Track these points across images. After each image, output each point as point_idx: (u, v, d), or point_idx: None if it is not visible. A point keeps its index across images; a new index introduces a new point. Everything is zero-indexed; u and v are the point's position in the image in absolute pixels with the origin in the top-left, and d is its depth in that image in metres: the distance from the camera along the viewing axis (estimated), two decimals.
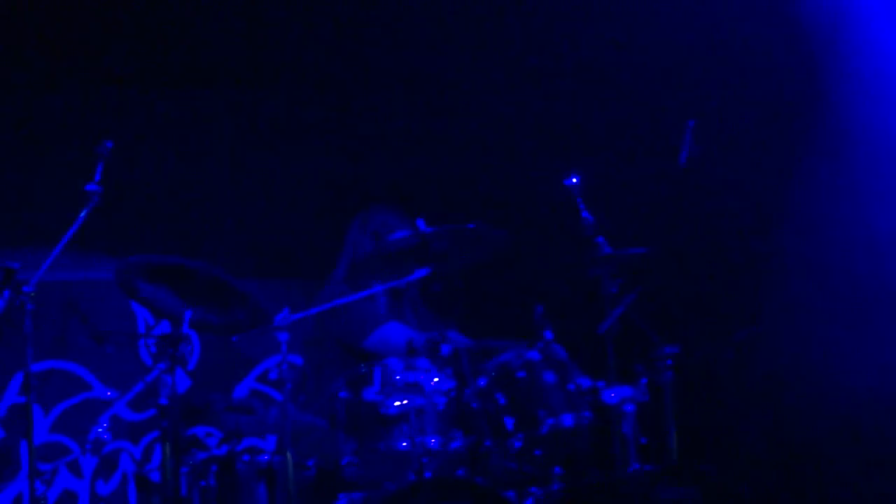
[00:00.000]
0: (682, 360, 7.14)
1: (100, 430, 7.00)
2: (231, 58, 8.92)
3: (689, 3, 8.49)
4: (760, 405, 8.67)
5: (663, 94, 8.69)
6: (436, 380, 6.73)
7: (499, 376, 6.82)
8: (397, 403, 6.62)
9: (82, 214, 6.68)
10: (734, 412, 8.71)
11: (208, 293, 6.67)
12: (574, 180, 7.10)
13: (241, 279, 6.90)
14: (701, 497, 6.79)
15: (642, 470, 6.77)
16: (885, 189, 8.15)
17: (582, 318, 7.13)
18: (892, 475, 8.07)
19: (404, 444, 6.60)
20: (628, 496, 6.77)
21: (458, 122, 9.06)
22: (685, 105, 7.88)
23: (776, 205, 8.54)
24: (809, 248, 8.34)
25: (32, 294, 6.47)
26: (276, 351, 6.57)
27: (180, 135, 8.76)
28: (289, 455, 6.43)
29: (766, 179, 8.62)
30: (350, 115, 9.13)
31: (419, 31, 8.90)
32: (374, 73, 9.11)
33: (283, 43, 8.93)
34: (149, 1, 8.57)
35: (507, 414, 6.74)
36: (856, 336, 8.16)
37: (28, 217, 8.00)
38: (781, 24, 8.35)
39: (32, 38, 8.42)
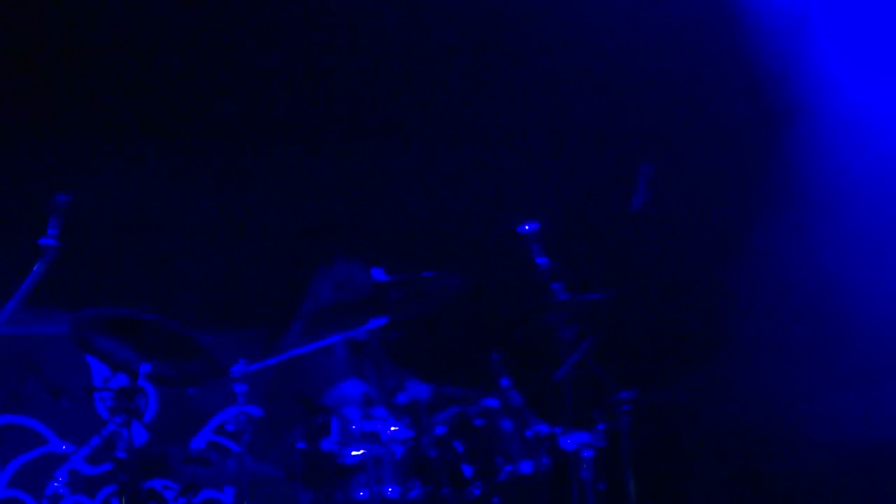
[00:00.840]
0: (639, 405, 7.10)
1: (56, 484, 6.72)
2: (188, 110, 8.81)
3: (644, 52, 8.52)
4: (718, 449, 8.73)
5: (617, 139, 8.77)
6: (393, 428, 6.65)
7: (456, 424, 6.79)
8: (355, 453, 6.55)
9: (37, 268, 6.53)
10: (692, 456, 8.78)
11: (164, 345, 6.57)
12: (528, 227, 7.07)
13: (197, 331, 6.78)
14: None
15: None
16: (837, 232, 8.18)
17: (538, 365, 7.02)
18: None
19: (362, 493, 6.54)
20: None
21: (415, 172, 9.03)
22: (639, 151, 7.80)
23: (729, 249, 8.53)
24: (763, 291, 8.42)
25: None
26: (234, 402, 6.50)
27: (137, 187, 8.72)
28: None
29: (719, 225, 8.71)
30: (308, 167, 9.07)
31: (377, 85, 8.87)
32: (332, 126, 9.05)
33: (239, 96, 8.87)
34: (101, 57, 8.46)
35: (465, 462, 6.69)
36: (811, 378, 8.24)
37: None
38: (735, 70, 8.43)
39: None
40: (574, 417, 6.92)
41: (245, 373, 6.58)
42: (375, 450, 6.61)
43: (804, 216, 8.35)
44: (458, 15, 8.57)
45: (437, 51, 8.79)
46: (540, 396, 6.96)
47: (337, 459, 6.63)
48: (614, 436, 6.97)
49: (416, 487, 6.67)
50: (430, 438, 6.76)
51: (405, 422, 6.80)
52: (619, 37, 8.58)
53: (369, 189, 9.14)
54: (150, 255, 8.67)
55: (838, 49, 8.37)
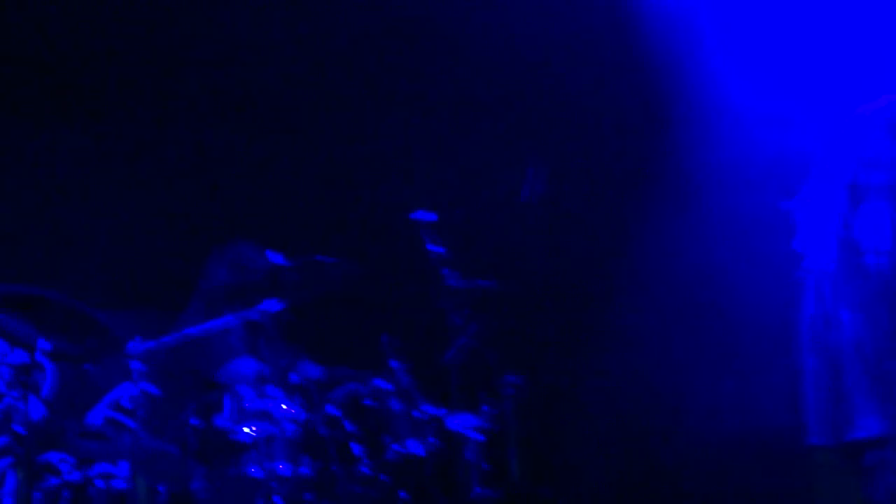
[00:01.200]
0: (525, 390, 7.23)
1: None
2: (92, 95, 8.69)
3: (539, 53, 8.52)
4: (601, 434, 8.76)
5: (510, 134, 8.73)
6: (285, 407, 6.73)
7: (347, 404, 6.91)
8: (247, 430, 6.64)
9: None
10: (575, 440, 8.78)
11: (62, 322, 6.78)
12: (421, 216, 7.21)
13: (95, 309, 6.99)
14: None
15: (484, 495, 6.88)
16: (717, 231, 8.22)
17: (428, 348, 7.15)
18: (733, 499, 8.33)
19: (254, 470, 6.63)
20: None
21: (314, 159, 9.04)
22: (530, 146, 7.95)
23: (616, 243, 8.63)
24: (646, 285, 8.51)
25: None
26: (130, 379, 6.52)
27: (40, 168, 8.65)
28: (141, 480, 6.40)
29: (607, 219, 8.72)
30: (206, 150, 9.01)
31: (280, 70, 8.85)
32: (231, 109, 9.00)
33: (141, 81, 8.79)
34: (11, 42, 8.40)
35: (354, 440, 6.82)
36: (690, 369, 8.29)
37: None
38: (623, 73, 8.48)
39: None
40: (461, 400, 7.03)
41: (142, 350, 6.60)
42: (268, 428, 6.68)
43: (687, 215, 8.40)
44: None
45: (343, 39, 8.78)
46: (429, 379, 7.08)
47: (230, 436, 6.70)
48: (500, 418, 7.08)
49: (307, 465, 6.73)
50: (321, 417, 6.87)
51: (297, 401, 6.88)
52: (515, 38, 8.61)
53: (268, 173, 9.12)
54: (50, 234, 8.59)
55: (719, 54, 8.31)
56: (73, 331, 6.87)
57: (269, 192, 9.04)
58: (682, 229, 8.37)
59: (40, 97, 8.62)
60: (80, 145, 8.73)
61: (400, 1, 8.55)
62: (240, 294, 7.33)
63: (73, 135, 8.74)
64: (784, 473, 8.01)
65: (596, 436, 8.83)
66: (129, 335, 6.71)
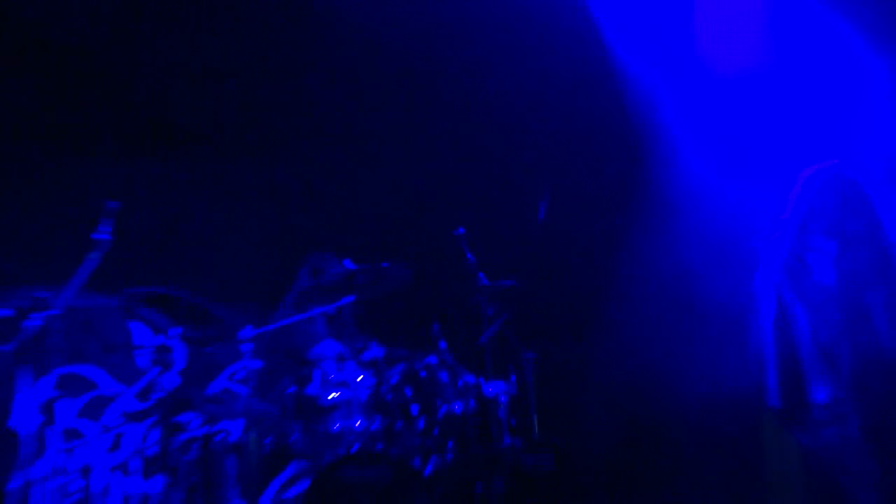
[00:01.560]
0: (541, 363, 7.65)
1: (110, 417, 7.25)
2: (209, 135, 8.83)
3: (544, 102, 8.73)
4: (603, 396, 8.79)
5: (527, 167, 8.92)
6: (360, 378, 7.28)
7: (406, 375, 7.40)
8: (331, 396, 7.18)
9: (93, 256, 6.89)
10: (582, 401, 8.82)
11: (189, 314, 7.25)
12: (461, 231, 7.74)
13: (214, 304, 7.40)
14: (553, 461, 7.25)
15: (512, 444, 7.32)
16: (690, 236, 8.19)
17: (467, 333, 7.67)
18: (713, 450, 8.24)
19: (337, 426, 7.14)
20: (502, 462, 7.19)
21: (376, 186, 9.12)
22: (542, 176, 8.16)
23: (609, 249, 8.74)
24: (635, 280, 8.60)
25: (58, 316, 6.81)
26: (241, 357, 6.98)
27: (169, 197, 8.75)
28: (251, 435, 6.88)
29: (601, 230, 8.82)
30: (298, 184, 9.16)
31: (354, 114, 8.98)
32: (314, 152, 9.12)
33: (249, 126, 8.96)
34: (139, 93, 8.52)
35: (412, 403, 7.33)
36: (671, 345, 8.35)
37: (56, 259, 7.55)
38: (611, 115, 8.55)
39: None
40: (493, 371, 7.53)
41: (249, 335, 7.02)
42: (347, 394, 7.20)
43: (666, 224, 8.36)
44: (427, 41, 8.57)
45: (401, 98, 8.92)
46: (468, 356, 7.58)
47: (318, 401, 7.21)
48: (522, 385, 7.55)
49: (377, 421, 7.22)
50: (387, 386, 7.34)
51: (369, 373, 7.36)
52: (526, 92, 8.74)
53: (342, 200, 9.16)
54: (179, 248, 8.69)
55: (690, 91, 8.36)
56: (197, 321, 7.32)
57: (343, 215, 9.11)
58: (661, 241, 8.40)
59: (164, 137, 8.80)
60: (200, 181, 8.91)
61: (453, 62, 8.64)
62: (322, 292, 7.64)
63: (196, 173, 8.89)
64: (742, 428, 7.94)
65: (596, 398, 8.84)
66: (240, 324, 7.12)
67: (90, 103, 8.46)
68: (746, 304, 7.12)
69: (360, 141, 9.18)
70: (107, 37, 8.32)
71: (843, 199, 6.66)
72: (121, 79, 8.42)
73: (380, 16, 8.44)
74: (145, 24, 8.44)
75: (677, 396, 8.36)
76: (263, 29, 8.63)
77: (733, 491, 8.13)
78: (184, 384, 7.13)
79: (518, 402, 7.52)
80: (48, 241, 8.08)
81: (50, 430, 7.15)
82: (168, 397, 6.98)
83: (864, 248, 6.12)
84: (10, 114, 8.31)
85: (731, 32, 8.22)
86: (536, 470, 7.29)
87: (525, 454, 7.27)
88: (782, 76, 8.19)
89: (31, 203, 8.36)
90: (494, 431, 7.43)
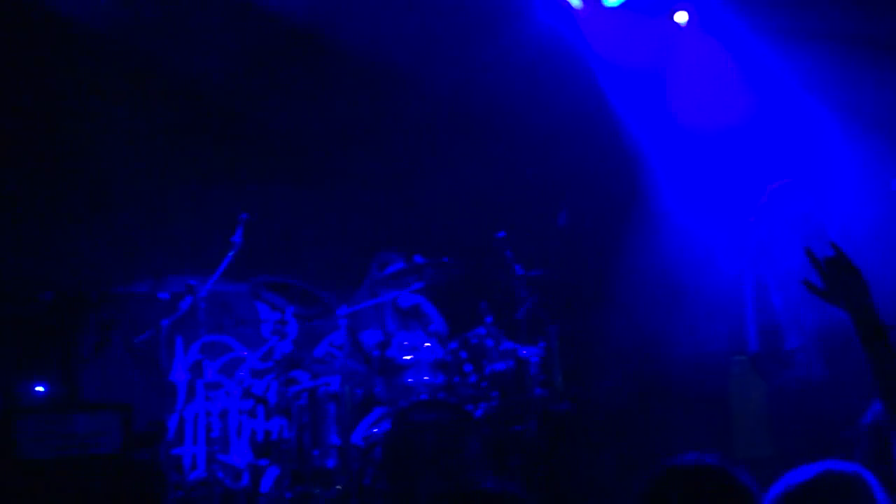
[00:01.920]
0: (562, 333, 7.80)
1: (241, 374, 7.62)
2: (306, 163, 9.08)
3: (563, 132, 8.78)
4: (615, 355, 8.91)
5: (550, 185, 9.07)
6: (427, 344, 7.66)
7: (461, 342, 7.68)
8: (406, 357, 7.57)
9: (230, 255, 7.67)
10: (598, 359, 8.99)
11: (300, 296, 7.45)
12: (502, 234, 7.91)
13: (318, 289, 7.57)
14: (575, 409, 7.73)
15: (542, 393, 7.61)
16: (680, 238, 8.51)
17: (507, 310, 7.83)
18: (696, 397, 8.38)
19: (410, 380, 7.55)
20: (534, 408, 7.53)
21: (437, 196, 9.29)
22: (563, 190, 8.46)
23: (616, 244, 8.87)
24: (638, 267, 8.73)
25: (203, 298, 7.49)
26: (339, 329, 7.48)
27: (289, 208, 8.99)
28: (346, 387, 7.23)
29: (610, 233, 8.99)
30: (373, 194, 9.38)
31: (424, 134, 9.09)
32: (393, 163, 9.28)
33: (333, 149, 9.05)
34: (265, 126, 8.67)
35: (465, 363, 7.65)
36: (668, 317, 8.65)
37: (203, 253, 8.01)
38: (613, 143, 8.77)
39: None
40: (526, 339, 7.73)
41: (346, 313, 7.50)
42: (417, 356, 7.56)
43: (658, 227, 8.63)
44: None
45: (456, 107, 8.87)
46: (508, 327, 7.74)
47: (396, 360, 7.59)
48: (549, 350, 7.74)
49: (440, 377, 7.58)
50: (446, 351, 7.62)
51: (433, 341, 7.72)
52: (552, 130, 8.85)
53: (410, 208, 9.39)
54: (293, 247, 8.96)
55: (679, 122, 8.56)
56: (305, 301, 7.45)
57: (414, 221, 9.32)
58: (655, 239, 8.62)
59: (271, 162, 9.02)
60: (307, 196, 9.12)
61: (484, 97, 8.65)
62: (398, 280, 7.95)
63: (299, 191, 9.08)
64: (718, 379, 8.36)
65: (606, 358, 8.95)
66: (337, 304, 7.59)
67: (231, 136, 8.72)
68: (722, 287, 7.75)
69: (428, 166, 9.27)
70: (238, 79, 8.46)
71: (801, 206, 7.26)
72: (252, 125, 8.64)
73: (428, 54, 8.44)
74: (269, 68, 8.51)
75: (669, 356, 8.58)
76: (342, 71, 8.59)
77: (711, 427, 8.19)
78: (295, 349, 7.50)
79: (546, 363, 7.71)
80: (198, 243, 8.30)
81: (198, 383, 7.55)
82: (283, 359, 7.34)
83: (816, 239, 6.10)
84: (174, 148, 8.57)
85: (704, 99, 8.40)
86: (561, 414, 7.65)
87: (551, 401, 7.58)
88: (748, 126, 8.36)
89: (187, 214, 8.61)
90: (528, 384, 7.64)
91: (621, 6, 8.17)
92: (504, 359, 7.62)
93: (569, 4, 8.19)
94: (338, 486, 7.06)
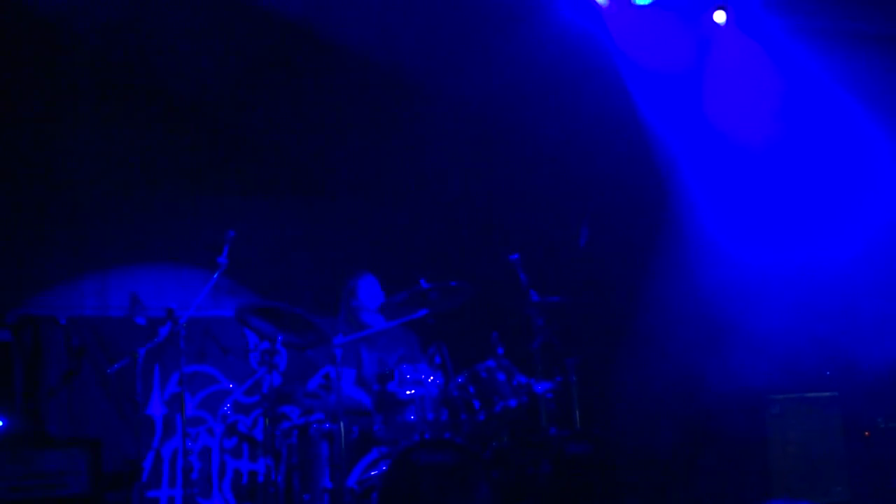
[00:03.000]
0: (581, 366, 7.64)
1: (225, 408, 7.54)
2: (304, 184, 8.89)
3: (587, 150, 8.72)
4: (633, 394, 8.80)
5: (570, 202, 8.75)
6: (431, 378, 7.35)
7: (470, 376, 7.37)
8: (408, 392, 7.26)
9: (215, 276, 7.24)
10: (615, 398, 8.82)
11: (292, 323, 7.17)
12: (515, 256, 7.74)
13: (312, 315, 7.27)
14: (593, 450, 7.32)
15: (558, 433, 7.38)
16: (707, 262, 8.43)
17: (520, 340, 7.68)
18: (726, 439, 8.28)
19: (412, 417, 7.23)
20: (549, 449, 7.26)
21: (446, 220, 9.26)
22: (584, 209, 7.99)
23: (639, 272, 8.80)
24: (659, 296, 8.60)
25: (184, 324, 7.09)
26: (333, 361, 7.09)
27: (276, 227, 8.80)
28: (341, 424, 6.96)
29: (634, 257, 8.90)
30: (377, 219, 9.17)
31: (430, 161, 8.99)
32: (401, 188, 9.16)
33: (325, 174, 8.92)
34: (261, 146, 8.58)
35: (475, 398, 7.32)
36: (692, 350, 8.53)
37: (182, 276, 7.99)
38: (643, 158, 8.63)
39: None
40: (542, 373, 7.57)
41: (342, 342, 7.17)
42: (420, 391, 7.26)
43: (684, 252, 8.55)
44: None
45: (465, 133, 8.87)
46: (522, 359, 7.56)
47: (397, 395, 7.27)
48: (566, 385, 7.59)
49: (445, 414, 7.31)
50: (453, 384, 7.36)
51: (438, 374, 7.42)
52: (573, 144, 8.77)
53: (416, 223, 9.25)
54: (281, 271, 8.73)
55: (703, 151, 8.42)
56: (298, 329, 7.19)
57: (415, 237, 9.18)
58: (681, 266, 8.54)
59: (269, 179, 8.83)
60: (294, 213, 8.94)
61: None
62: (400, 306, 7.57)
63: (279, 212, 8.88)
64: (750, 419, 8.13)
65: (627, 394, 8.79)
66: (333, 332, 7.31)
67: (216, 151, 8.60)
68: (762, 317, 7.64)
69: (435, 177, 9.19)
70: (229, 92, 8.31)
71: None
72: (237, 131, 8.46)
73: (436, 55, 8.35)
74: (261, 81, 8.37)
75: (696, 393, 8.46)
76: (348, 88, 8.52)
77: (742, 470, 8.06)
78: (286, 381, 7.47)
79: (562, 399, 7.55)
80: (180, 262, 8.22)
81: (177, 418, 7.35)
82: (273, 392, 7.11)
83: None
84: (153, 158, 8.35)
85: (742, 104, 8.27)
86: (577, 455, 7.31)
87: (568, 442, 7.29)
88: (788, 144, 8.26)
89: (168, 230, 8.44)
90: (543, 423, 7.53)
91: (651, 4, 8.08)
92: (517, 394, 7.35)
93: (594, 1, 8.09)
94: None
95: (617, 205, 8.82)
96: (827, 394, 7.77)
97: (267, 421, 7.08)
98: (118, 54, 7.83)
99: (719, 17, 8.18)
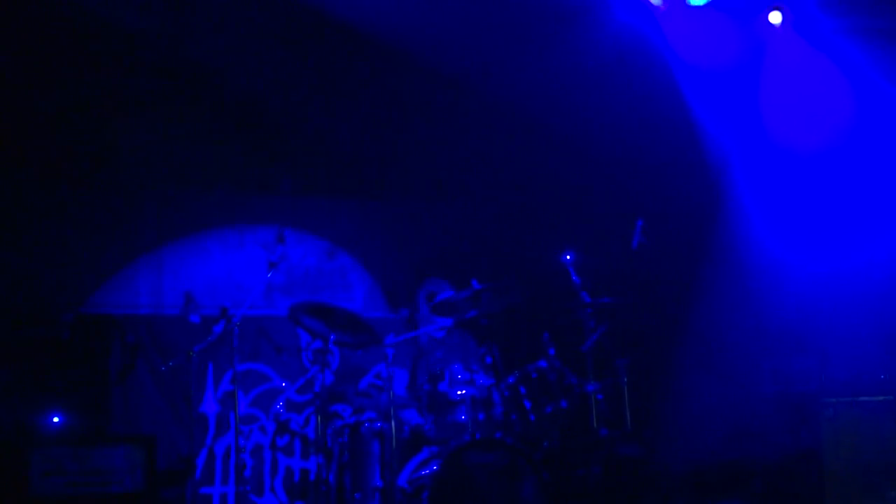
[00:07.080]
0: (632, 367, 7.58)
1: (278, 407, 7.55)
2: (369, 177, 8.90)
3: (639, 159, 8.70)
4: (684, 395, 8.70)
5: (623, 205, 8.55)
6: (483, 378, 7.34)
7: (521, 376, 7.33)
8: (459, 392, 7.27)
9: (268, 275, 7.25)
10: (666, 399, 8.76)
11: (344, 323, 7.19)
12: (568, 257, 7.77)
13: (364, 315, 7.42)
14: (644, 451, 7.25)
15: (609, 434, 7.35)
16: (758, 263, 8.43)
17: (572, 341, 7.64)
18: (779, 443, 8.17)
19: (463, 417, 7.25)
20: (599, 450, 7.22)
21: (502, 222, 9.23)
22: (636, 212, 7.91)
23: (693, 274, 8.79)
24: (708, 298, 8.61)
25: (238, 322, 7.07)
26: (385, 360, 7.12)
27: (332, 226, 8.77)
28: (393, 423, 6.97)
29: (686, 258, 8.84)
30: (417, 207, 9.19)
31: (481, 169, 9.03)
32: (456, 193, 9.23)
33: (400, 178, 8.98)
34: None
35: (525, 399, 7.29)
36: (743, 352, 8.50)
37: (236, 275, 8.02)
38: (697, 165, 8.67)
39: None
40: (593, 374, 7.56)
41: (394, 342, 7.23)
42: (471, 391, 7.25)
43: (746, 251, 8.49)
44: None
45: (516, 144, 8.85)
46: (573, 360, 7.52)
47: (448, 396, 7.30)
48: (617, 385, 7.55)
49: (496, 414, 7.28)
50: (504, 385, 7.32)
51: (490, 374, 7.45)
52: (629, 144, 8.71)
53: (468, 224, 9.25)
54: (334, 271, 8.66)
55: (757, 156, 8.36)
56: (350, 328, 7.21)
57: (467, 238, 9.18)
58: (732, 268, 8.55)
59: (334, 179, 8.85)
60: (349, 212, 8.94)
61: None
62: (453, 307, 7.66)
63: (345, 205, 8.90)
64: (804, 424, 8.00)
65: (684, 397, 8.71)
66: (385, 332, 7.37)
67: (273, 145, 8.61)
68: (805, 322, 7.58)
69: (486, 179, 9.21)
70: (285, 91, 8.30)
71: None
72: (293, 132, 8.48)
73: (488, 56, 8.31)
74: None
75: (748, 396, 8.40)
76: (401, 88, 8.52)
77: (803, 479, 7.94)
78: (338, 380, 7.47)
79: (613, 400, 7.52)
80: (234, 261, 8.27)
81: (231, 415, 7.37)
82: (325, 391, 7.09)
83: None
84: (209, 158, 8.40)
85: (797, 107, 8.23)
86: (628, 457, 7.26)
87: (618, 443, 7.25)
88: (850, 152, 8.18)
89: (221, 227, 8.45)
90: (593, 424, 7.51)
91: (706, 5, 7.99)
92: (567, 395, 7.32)
93: (649, 2, 8.01)
94: None
95: (670, 207, 8.80)
96: (882, 398, 7.62)
97: (319, 419, 7.05)
98: (176, 57, 7.86)
99: (775, 17, 8.12)
